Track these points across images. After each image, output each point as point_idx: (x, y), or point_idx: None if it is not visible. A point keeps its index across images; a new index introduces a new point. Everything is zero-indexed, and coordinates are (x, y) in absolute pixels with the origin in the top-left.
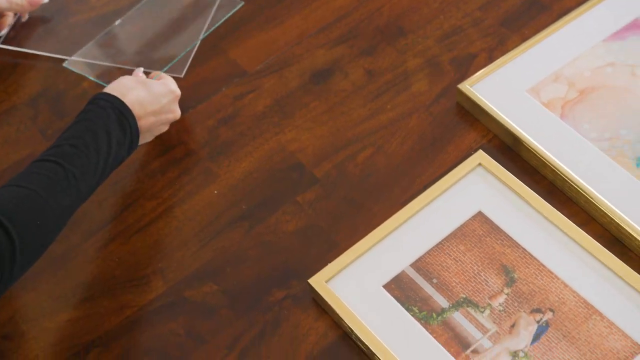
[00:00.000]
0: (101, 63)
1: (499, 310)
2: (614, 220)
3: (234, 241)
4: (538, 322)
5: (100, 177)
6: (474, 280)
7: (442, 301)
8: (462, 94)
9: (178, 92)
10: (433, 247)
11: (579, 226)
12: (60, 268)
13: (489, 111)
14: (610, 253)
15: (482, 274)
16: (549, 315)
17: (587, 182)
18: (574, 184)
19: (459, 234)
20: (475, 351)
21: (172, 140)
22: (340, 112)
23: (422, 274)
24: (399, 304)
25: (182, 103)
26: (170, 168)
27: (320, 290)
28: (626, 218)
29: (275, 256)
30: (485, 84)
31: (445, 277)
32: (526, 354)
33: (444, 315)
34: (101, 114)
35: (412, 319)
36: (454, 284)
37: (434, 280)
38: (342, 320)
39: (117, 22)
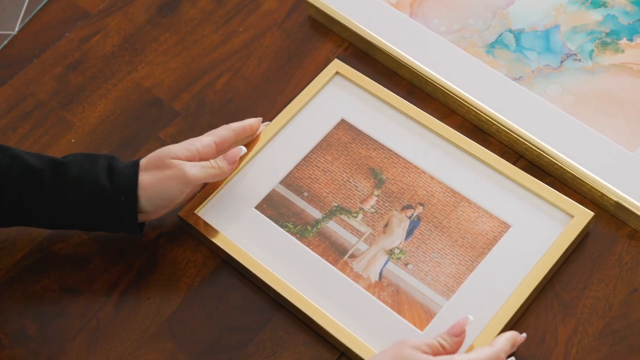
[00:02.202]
0: None
1: (372, 213)
2: (472, 109)
3: None
4: (410, 217)
5: None
6: (344, 188)
7: (315, 213)
8: (312, 6)
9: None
10: (300, 161)
11: (440, 120)
12: None
13: (340, 20)
14: (472, 140)
15: (351, 181)
16: (419, 210)
17: (443, 76)
18: (431, 79)
19: (325, 145)
20: (352, 256)
21: (19, 94)
22: (193, 41)
23: (292, 189)
24: (272, 222)
25: (25, 53)
26: (21, 123)
27: (191, 220)
28: (482, 105)
29: None
30: None
31: (315, 189)
32: (402, 250)
33: (319, 227)
34: None
35: (288, 235)
36: (325, 194)
37: (305, 194)
38: (219, 247)
39: None
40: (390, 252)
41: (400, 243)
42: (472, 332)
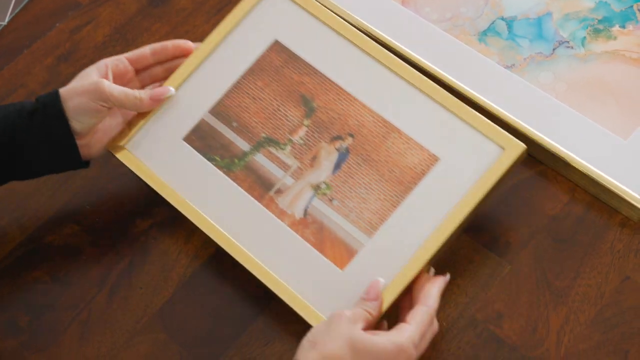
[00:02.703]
0: None
1: (300, 145)
2: (464, 97)
3: (89, 180)
4: (338, 149)
5: None
6: (273, 117)
7: (243, 145)
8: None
9: (412, 354)
10: (231, 88)
11: None
12: None
13: (330, 8)
14: (407, 65)
15: (281, 109)
16: (349, 141)
17: (435, 64)
18: (423, 68)
19: (257, 69)
20: (278, 191)
21: (9, 85)
22: (184, 31)
23: (221, 119)
24: (200, 156)
25: (15, 44)
26: None
27: (117, 153)
28: (475, 93)
29: (134, 186)
30: None
31: (245, 118)
32: (328, 185)
33: (246, 160)
34: None
35: (215, 168)
36: (254, 124)
37: (234, 124)
38: (147, 184)
39: None
40: (317, 187)
41: (327, 177)
42: (391, 269)
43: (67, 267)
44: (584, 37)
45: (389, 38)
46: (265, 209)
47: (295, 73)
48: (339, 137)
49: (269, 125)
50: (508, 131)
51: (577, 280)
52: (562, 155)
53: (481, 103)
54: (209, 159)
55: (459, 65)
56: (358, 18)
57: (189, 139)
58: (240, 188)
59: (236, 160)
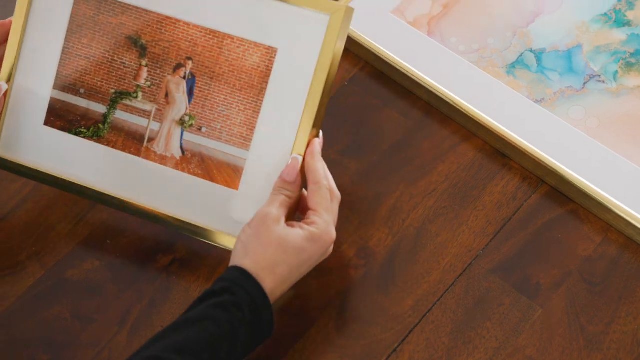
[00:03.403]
0: None
1: (148, 87)
2: (492, 131)
3: (110, 214)
4: (184, 77)
5: None
6: (113, 69)
7: (99, 108)
8: None
9: (333, 236)
10: (61, 55)
11: (459, 143)
12: None
13: (356, 38)
14: None
15: (116, 59)
16: (190, 66)
17: (461, 96)
18: (449, 100)
19: (75, 28)
20: (150, 139)
21: None
22: None
23: (68, 90)
24: (66, 134)
25: None
26: None
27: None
28: (503, 128)
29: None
30: None
31: (88, 81)
32: (191, 116)
33: (108, 121)
34: (232, 321)
35: (85, 140)
36: (100, 83)
37: (82, 91)
38: (30, 182)
39: None
40: (182, 122)
41: (187, 108)
42: (280, 166)
43: (87, 304)
44: (616, 71)
45: (414, 69)
46: (146, 160)
47: (111, 16)
48: (179, 65)
49: (113, 79)
50: (539, 167)
51: (612, 326)
52: (594, 194)
53: (510, 138)
54: (76, 134)
55: (487, 98)
56: (382, 48)
57: (49, 122)
58: (115, 150)
59: (100, 125)
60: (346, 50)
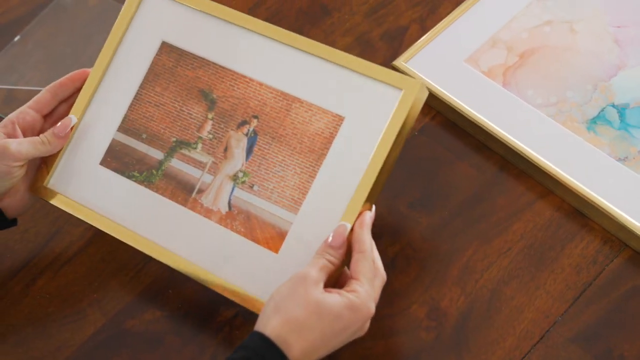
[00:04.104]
0: (2, 87)
1: (210, 139)
2: (571, 190)
3: None
4: (247, 134)
5: None
6: (179, 119)
7: (157, 154)
8: (398, 71)
9: (372, 310)
10: (132, 101)
11: (535, 200)
12: None
13: (428, 87)
14: (290, 32)
15: (184, 109)
16: (254, 124)
17: (539, 153)
18: (525, 155)
19: (152, 76)
20: (200, 191)
21: None
22: None
23: (130, 134)
24: (119, 176)
25: None
26: None
27: (44, 195)
28: (583, 187)
29: None
30: (420, 59)
31: (152, 127)
32: (245, 173)
33: (163, 168)
34: None
35: (136, 185)
36: (163, 130)
37: (144, 136)
38: (80, 220)
39: (16, 39)
40: (235, 178)
41: (243, 165)
42: (324, 236)
43: (147, 356)
44: None
45: (489, 122)
46: (191, 211)
47: (189, 69)
48: (244, 122)
49: (177, 127)
50: (622, 230)
51: None
52: None
53: (590, 197)
54: (129, 177)
55: (566, 155)
56: (454, 98)
57: (105, 162)
58: (163, 197)
59: (154, 171)
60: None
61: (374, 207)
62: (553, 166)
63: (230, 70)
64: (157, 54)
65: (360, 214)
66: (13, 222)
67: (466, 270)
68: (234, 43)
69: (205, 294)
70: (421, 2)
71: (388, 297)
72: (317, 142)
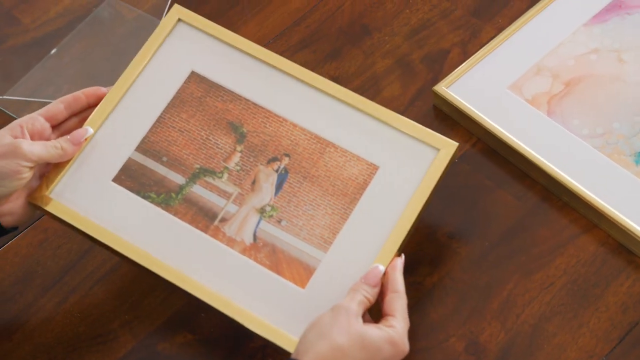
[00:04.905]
0: (37, 100)
1: (237, 171)
2: (617, 225)
3: None
4: (277, 171)
5: None
6: (204, 147)
7: (177, 178)
8: (438, 96)
9: (407, 348)
10: (154, 123)
11: (580, 234)
12: (16, 330)
13: (469, 113)
14: (328, 80)
15: (211, 138)
16: (286, 161)
17: (584, 185)
18: (569, 187)
19: (178, 102)
20: (223, 220)
21: None
22: None
23: (149, 155)
24: (134, 195)
25: None
26: None
27: (42, 204)
28: (630, 222)
29: None
30: (462, 84)
31: (174, 152)
32: (273, 207)
33: (183, 193)
34: None
35: (152, 205)
36: (185, 156)
37: (164, 159)
38: (80, 231)
39: (53, 51)
40: (262, 211)
41: (271, 199)
42: (353, 279)
43: None
44: None
45: (532, 151)
46: (212, 239)
47: (219, 101)
48: (275, 159)
49: (201, 155)
50: None
51: None
52: None
53: (637, 233)
54: (144, 197)
55: (612, 188)
56: (496, 125)
57: (118, 179)
58: (182, 222)
59: (173, 195)
60: (457, 124)
61: (402, 255)
62: (598, 199)
63: (262, 108)
64: (185, 82)
65: (392, 259)
66: (10, 229)
67: (507, 304)
68: (266, 81)
69: None
70: (463, 25)
71: (425, 328)
72: (351, 187)
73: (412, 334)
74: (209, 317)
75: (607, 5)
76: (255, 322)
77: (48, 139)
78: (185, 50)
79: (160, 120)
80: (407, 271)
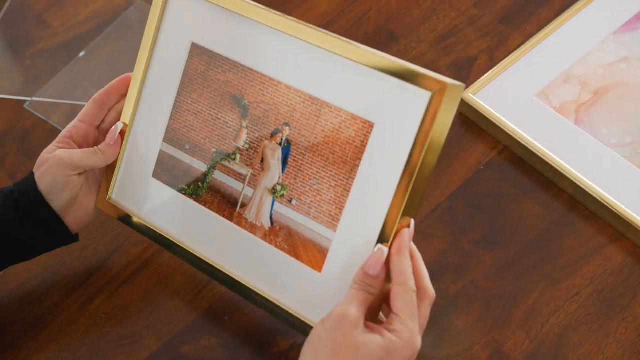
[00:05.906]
0: (65, 102)
1: (246, 150)
2: None
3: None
4: (280, 144)
5: None
6: (216, 128)
7: (200, 166)
8: (465, 103)
9: (418, 346)
10: (172, 109)
11: (606, 245)
12: (41, 330)
13: (496, 121)
14: (320, 31)
15: (220, 117)
16: (287, 132)
17: (612, 194)
18: (597, 196)
19: (187, 82)
20: (243, 205)
21: None
22: None
23: (175, 144)
24: (170, 189)
25: None
26: None
27: (109, 211)
28: None
29: None
30: (489, 91)
31: (193, 137)
32: (283, 186)
33: (208, 181)
34: None
35: (185, 198)
36: (203, 140)
37: (187, 147)
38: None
39: (81, 54)
40: (274, 191)
41: (280, 177)
42: (365, 254)
43: None
44: None
45: (559, 159)
46: (238, 227)
47: (220, 73)
48: (277, 131)
49: (215, 137)
50: None
51: None
52: None
53: None
54: (179, 190)
55: None
56: (523, 133)
57: (156, 174)
58: (211, 212)
59: (200, 184)
60: (483, 132)
61: (412, 222)
62: (626, 209)
63: (257, 73)
64: (189, 57)
65: (398, 230)
66: (76, 237)
67: (532, 313)
68: (258, 42)
69: (262, 323)
70: (490, 32)
71: (449, 336)
72: (349, 152)
73: (436, 341)
74: (233, 321)
75: (638, 13)
76: (279, 311)
77: (96, 141)
78: (182, 21)
79: (177, 105)
80: (431, 278)
